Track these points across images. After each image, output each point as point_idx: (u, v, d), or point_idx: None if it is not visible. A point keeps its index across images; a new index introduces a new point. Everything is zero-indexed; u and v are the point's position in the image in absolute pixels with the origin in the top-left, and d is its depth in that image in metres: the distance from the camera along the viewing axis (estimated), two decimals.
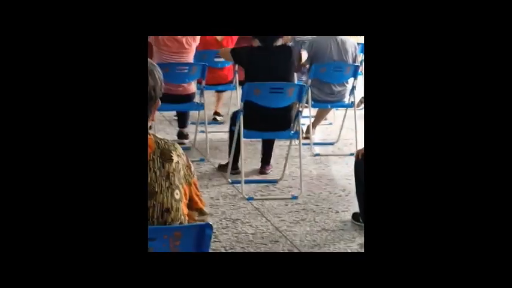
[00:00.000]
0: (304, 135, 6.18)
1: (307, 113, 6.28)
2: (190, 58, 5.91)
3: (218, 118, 7.10)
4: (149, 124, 1.96)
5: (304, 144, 6.05)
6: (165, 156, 1.89)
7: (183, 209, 1.92)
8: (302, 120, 6.44)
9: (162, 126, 6.65)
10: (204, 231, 1.88)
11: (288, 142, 5.30)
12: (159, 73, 1.90)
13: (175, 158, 1.90)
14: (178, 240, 1.85)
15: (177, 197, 1.89)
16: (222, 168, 5.31)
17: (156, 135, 1.94)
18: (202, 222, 1.93)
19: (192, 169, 1.98)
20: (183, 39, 5.80)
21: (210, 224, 1.89)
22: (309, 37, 6.87)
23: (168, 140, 1.94)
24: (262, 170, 5.33)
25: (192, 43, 5.88)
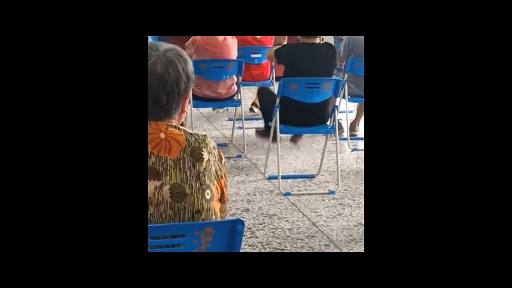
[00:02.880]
0: (341, 131, 6.18)
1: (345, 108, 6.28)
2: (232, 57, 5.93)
3: (255, 109, 7.12)
4: (182, 119, 1.94)
5: (342, 139, 6.06)
6: (196, 154, 1.85)
7: (215, 206, 1.89)
8: (341, 115, 6.48)
9: (199, 122, 6.69)
10: (235, 227, 1.88)
11: (325, 137, 5.29)
12: (184, 65, 1.85)
13: (205, 156, 1.86)
14: (210, 236, 1.84)
15: (208, 197, 1.85)
16: (260, 134, 5.44)
17: (188, 130, 1.90)
18: (233, 218, 1.91)
19: (223, 161, 1.95)
20: (225, 42, 5.77)
21: (242, 220, 1.88)
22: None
23: (199, 135, 1.89)
24: (294, 139, 5.56)
25: (232, 47, 5.86)
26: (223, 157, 1.96)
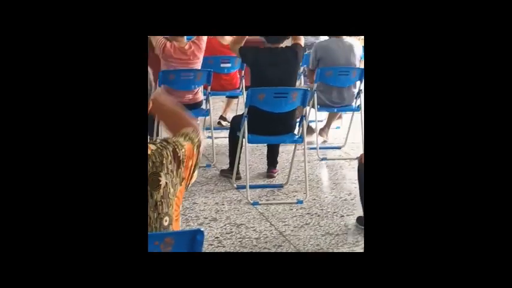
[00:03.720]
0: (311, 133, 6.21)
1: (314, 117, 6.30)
2: (198, 67, 5.91)
3: (223, 123, 7.11)
4: None
5: (311, 148, 6.07)
6: (153, 183, 1.79)
7: (174, 227, 1.87)
8: (310, 125, 6.51)
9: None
10: (195, 237, 1.87)
11: (293, 146, 5.30)
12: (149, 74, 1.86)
13: (163, 181, 1.81)
14: (170, 246, 1.84)
15: (166, 223, 1.83)
16: (224, 172, 5.32)
17: (150, 145, 1.83)
18: (193, 228, 1.90)
19: (181, 157, 1.86)
20: (190, 50, 5.77)
21: (202, 230, 1.88)
22: (311, 38, 6.88)
23: (156, 155, 1.81)
24: (269, 174, 5.34)
25: (199, 54, 5.86)
26: (180, 155, 1.87)
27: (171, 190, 1.84)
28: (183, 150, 1.88)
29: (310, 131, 6.33)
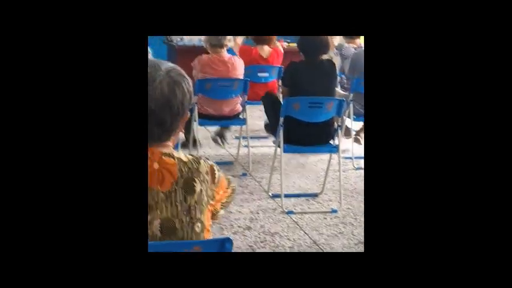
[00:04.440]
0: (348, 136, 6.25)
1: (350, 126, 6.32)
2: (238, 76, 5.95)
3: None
4: (175, 141, 1.89)
5: (346, 157, 6.09)
6: (188, 187, 1.80)
7: (206, 237, 1.88)
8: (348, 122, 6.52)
9: (206, 141, 6.74)
10: (224, 246, 1.89)
11: (328, 156, 5.32)
12: (188, 85, 1.82)
13: (198, 188, 1.82)
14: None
15: (198, 230, 1.83)
16: (267, 129, 5.59)
17: (182, 157, 1.84)
18: (222, 236, 1.92)
19: (217, 179, 1.89)
20: (230, 62, 5.81)
21: (230, 239, 1.90)
22: (352, 49, 6.90)
23: (193, 162, 1.84)
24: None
25: (239, 66, 5.91)
26: (217, 175, 1.90)
27: (205, 198, 1.84)
28: (220, 173, 1.91)
29: (348, 132, 6.36)
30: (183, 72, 1.84)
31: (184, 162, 1.82)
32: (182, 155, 1.85)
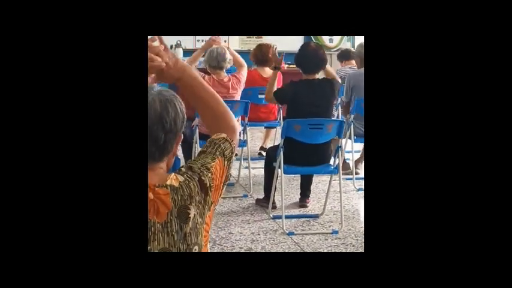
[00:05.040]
0: (346, 171, 6.23)
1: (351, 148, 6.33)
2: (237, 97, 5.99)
3: (263, 153, 7.18)
4: (169, 164, 1.86)
5: (348, 178, 6.10)
6: (183, 215, 1.78)
7: (204, 248, 1.86)
8: (347, 155, 6.54)
9: None
10: None
11: (329, 177, 5.34)
12: (180, 104, 1.80)
13: (192, 213, 1.79)
14: None
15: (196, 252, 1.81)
16: (260, 202, 5.39)
17: (174, 183, 1.80)
18: None
19: (208, 184, 1.84)
20: (229, 83, 5.87)
21: None
22: (347, 69, 6.94)
23: (183, 183, 1.80)
24: (302, 204, 5.39)
25: (238, 87, 5.95)
26: (207, 182, 1.85)
27: (199, 220, 1.83)
28: (210, 174, 1.87)
29: (346, 167, 6.36)
30: (174, 93, 1.83)
31: (177, 190, 1.80)
32: (174, 178, 1.82)
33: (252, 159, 6.16)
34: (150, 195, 1.76)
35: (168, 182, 1.80)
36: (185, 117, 1.85)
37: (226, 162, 1.92)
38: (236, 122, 2.03)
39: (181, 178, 1.83)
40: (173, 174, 1.83)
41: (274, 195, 5.14)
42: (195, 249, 1.82)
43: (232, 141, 1.96)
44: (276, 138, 7.20)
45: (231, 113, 2.03)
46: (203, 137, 5.69)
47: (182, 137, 1.87)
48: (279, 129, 7.04)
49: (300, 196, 5.46)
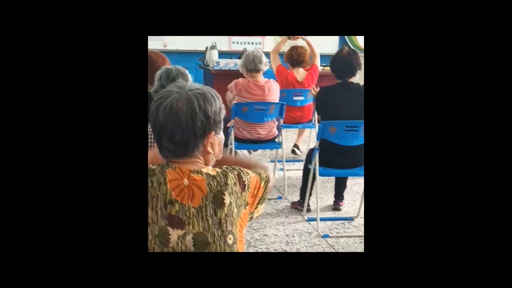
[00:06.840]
0: None
1: None
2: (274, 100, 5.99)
3: (297, 151, 7.18)
4: (210, 161, 1.91)
5: None
6: (217, 200, 1.84)
7: (238, 248, 1.89)
8: None
9: None
10: None
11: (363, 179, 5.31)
12: (204, 104, 1.82)
13: (227, 200, 1.85)
14: None
15: (230, 242, 1.85)
16: (295, 204, 5.38)
17: (210, 172, 1.87)
18: None
19: (246, 182, 1.91)
20: (266, 85, 5.88)
21: None
22: None
23: (221, 176, 1.87)
24: (336, 206, 5.37)
25: (275, 90, 5.96)
26: (246, 181, 1.93)
27: (235, 210, 1.87)
28: (248, 177, 1.94)
29: None
30: (208, 94, 1.85)
31: (213, 177, 1.87)
32: (211, 169, 1.89)
33: (286, 161, 6.14)
34: (185, 181, 1.82)
35: (205, 171, 1.86)
36: (212, 117, 1.84)
37: (262, 183, 1.99)
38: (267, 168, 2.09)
39: (218, 170, 1.90)
40: (211, 167, 1.89)
41: (309, 198, 5.13)
42: (230, 239, 1.85)
43: (267, 171, 2.03)
44: (310, 141, 7.17)
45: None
46: (238, 141, 5.71)
47: (212, 135, 1.87)
48: (313, 131, 7.03)
49: (334, 199, 5.44)
